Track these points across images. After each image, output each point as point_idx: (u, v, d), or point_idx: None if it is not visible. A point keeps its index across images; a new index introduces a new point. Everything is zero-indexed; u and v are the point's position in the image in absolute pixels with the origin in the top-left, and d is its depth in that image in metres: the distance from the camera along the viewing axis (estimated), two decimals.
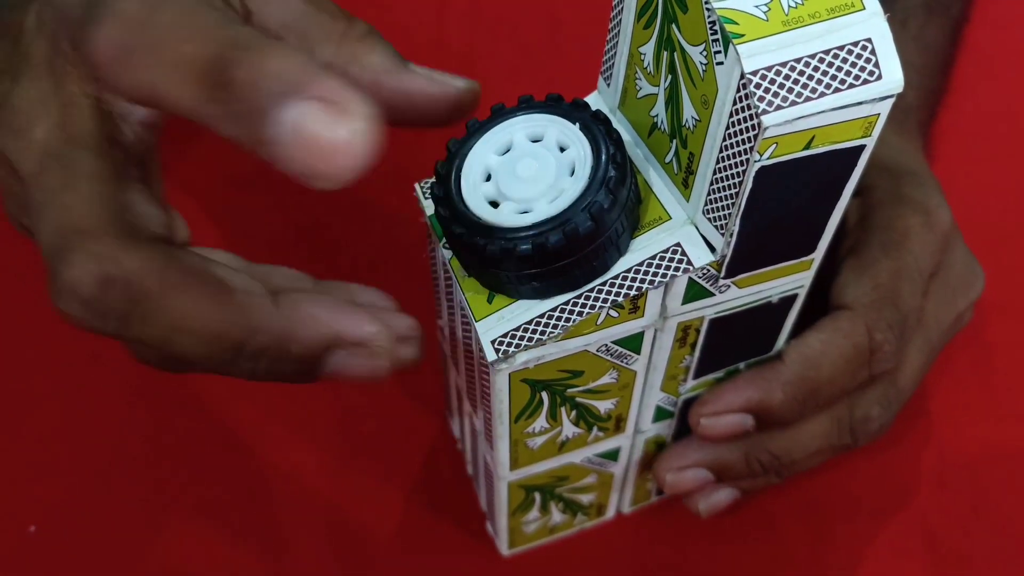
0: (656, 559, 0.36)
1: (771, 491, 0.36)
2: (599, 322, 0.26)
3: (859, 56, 0.22)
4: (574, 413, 0.30)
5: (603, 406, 0.30)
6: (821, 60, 0.22)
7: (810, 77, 0.22)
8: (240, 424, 0.38)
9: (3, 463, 0.37)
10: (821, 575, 0.36)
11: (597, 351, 0.27)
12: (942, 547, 0.36)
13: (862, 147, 0.24)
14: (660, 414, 0.32)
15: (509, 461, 0.31)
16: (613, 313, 0.26)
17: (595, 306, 0.26)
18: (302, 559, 0.35)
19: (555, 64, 0.46)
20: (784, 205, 0.25)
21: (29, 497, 0.36)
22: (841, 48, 0.22)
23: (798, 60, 0.22)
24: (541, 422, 0.29)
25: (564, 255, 0.25)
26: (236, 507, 0.36)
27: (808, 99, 0.22)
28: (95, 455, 0.37)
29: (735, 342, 0.31)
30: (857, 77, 0.22)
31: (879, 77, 0.22)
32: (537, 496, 0.33)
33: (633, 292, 0.26)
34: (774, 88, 0.22)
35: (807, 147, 0.23)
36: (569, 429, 0.30)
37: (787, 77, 0.22)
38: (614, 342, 0.27)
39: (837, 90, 0.22)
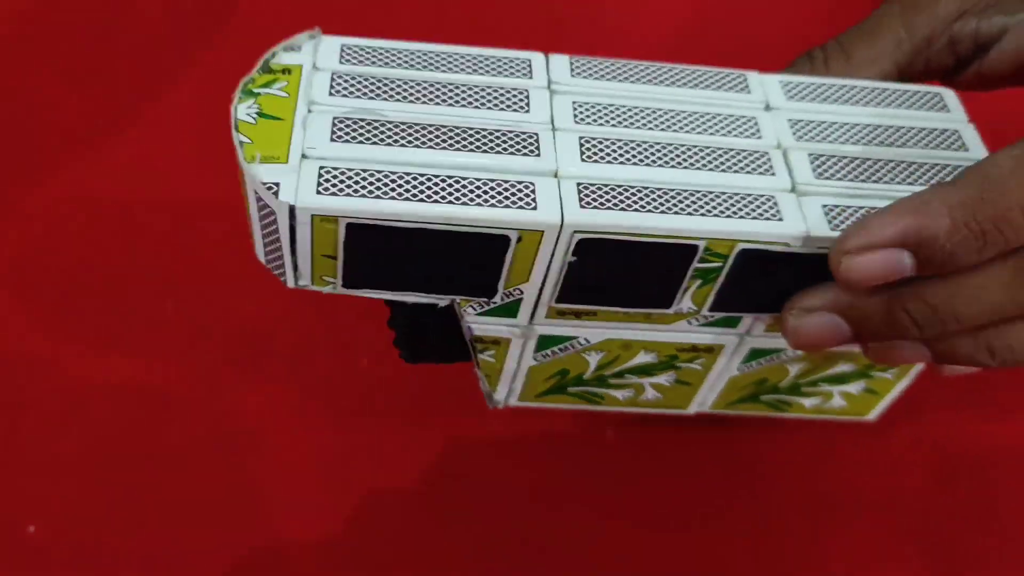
0: (641, 550, 0.36)
1: (767, 483, 0.36)
2: (493, 362, 0.31)
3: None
4: (630, 377, 0.32)
5: (640, 360, 0.31)
6: None
7: None
8: (240, 423, 0.38)
9: (3, 463, 0.37)
10: (819, 570, 0.36)
11: (540, 363, 0.31)
12: (942, 545, 0.36)
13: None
14: (721, 322, 0.30)
15: (670, 407, 0.34)
16: (489, 357, 0.31)
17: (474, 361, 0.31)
18: (301, 558, 0.36)
19: None
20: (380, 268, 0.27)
21: (29, 497, 0.36)
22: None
23: None
24: (623, 393, 0.32)
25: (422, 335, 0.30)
26: (235, 508, 0.36)
27: None
28: (95, 455, 0.37)
29: (617, 281, 0.28)
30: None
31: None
32: (773, 397, 0.33)
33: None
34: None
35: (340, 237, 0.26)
36: (654, 381, 0.32)
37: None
38: (538, 352, 0.30)
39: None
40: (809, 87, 0.31)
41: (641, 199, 0.26)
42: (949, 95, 0.32)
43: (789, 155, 0.29)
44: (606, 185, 0.26)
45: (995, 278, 0.25)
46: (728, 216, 0.26)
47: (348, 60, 0.28)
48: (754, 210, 0.27)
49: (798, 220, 0.27)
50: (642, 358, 0.31)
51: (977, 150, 0.30)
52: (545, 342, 0.30)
